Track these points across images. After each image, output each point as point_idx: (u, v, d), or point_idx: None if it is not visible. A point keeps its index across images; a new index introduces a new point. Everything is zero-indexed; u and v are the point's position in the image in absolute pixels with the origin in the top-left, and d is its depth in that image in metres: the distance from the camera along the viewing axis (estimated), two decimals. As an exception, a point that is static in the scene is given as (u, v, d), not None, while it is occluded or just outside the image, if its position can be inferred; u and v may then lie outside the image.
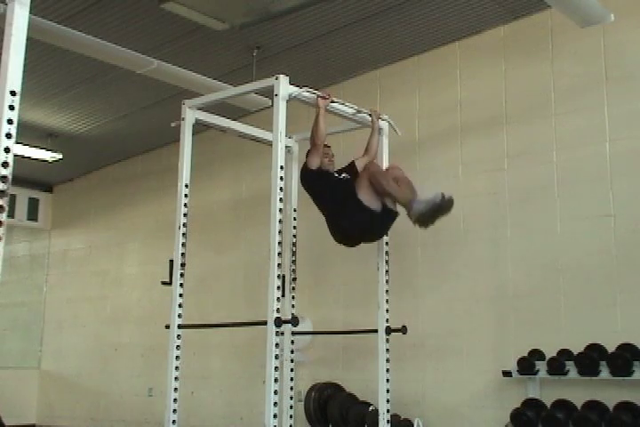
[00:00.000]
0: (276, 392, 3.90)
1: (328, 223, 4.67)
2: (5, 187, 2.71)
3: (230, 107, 5.90)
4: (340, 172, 4.87)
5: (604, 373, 4.93)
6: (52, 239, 10.27)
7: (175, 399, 4.47)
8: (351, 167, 4.90)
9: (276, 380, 3.90)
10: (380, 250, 4.97)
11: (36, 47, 5.16)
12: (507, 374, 5.37)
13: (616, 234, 5.22)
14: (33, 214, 10.09)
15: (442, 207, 4.32)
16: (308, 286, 6.37)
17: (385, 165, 5.11)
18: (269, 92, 4.48)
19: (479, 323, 5.77)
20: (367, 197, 4.48)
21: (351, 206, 4.51)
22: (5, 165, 2.72)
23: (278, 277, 4.01)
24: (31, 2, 2.93)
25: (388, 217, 4.61)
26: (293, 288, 5.29)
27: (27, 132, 7.59)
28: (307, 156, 4.67)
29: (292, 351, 5.28)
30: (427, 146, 6.37)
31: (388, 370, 4.80)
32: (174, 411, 4.45)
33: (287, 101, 4.30)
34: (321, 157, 4.61)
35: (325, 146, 4.73)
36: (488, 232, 5.86)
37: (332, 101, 4.65)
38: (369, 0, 5.47)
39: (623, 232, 5.20)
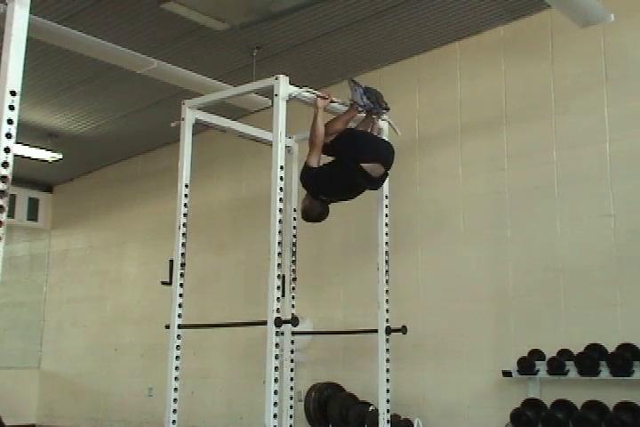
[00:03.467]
0: (276, 392, 3.90)
1: (344, 188, 4.62)
2: (5, 187, 2.71)
3: (230, 107, 5.90)
4: None
5: (604, 373, 4.92)
6: (52, 239, 10.27)
7: (175, 399, 4.47)
8: None
9: (275, 380, 3.90)
10: (380, 250, 4.97)
11: (35, 47, 5.16)
12: (507, 374, 5.37)
13: (616, 234, 5.22)
14: (33, 214, 10.10)
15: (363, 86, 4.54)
16: (308, 285, 6.36)
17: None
18: (269, 92, 4.48)
19: (479, 323, 5.77)
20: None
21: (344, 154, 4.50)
22: (5, 165, 2.72)
23: (278, 277, 4.01)
24: (31, 2, 2.93)
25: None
26: (293, 288, 5.28)
27: (27, 132, 7.59)
28: (307, 156, 4.62)
29: (292, 351, 5.28)
30: (427, 146, 6.37)
31: (387, 370, 4.79)
32: (174, 411, 4.45)
33: (287, 101, 4.29)
34: (320, 156, 4.58)
35: None
36: (488, 232, 5.86)
37: (332, 101, 4.65)
38: (369, 0, 5.47)
39: (623, 232, 5.20)
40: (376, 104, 4.60)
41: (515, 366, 5.34)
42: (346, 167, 4.47)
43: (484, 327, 5.73)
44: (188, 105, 4.83)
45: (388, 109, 4.72)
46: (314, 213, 4.63)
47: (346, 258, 6.68)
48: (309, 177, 4.58)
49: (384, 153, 4.62)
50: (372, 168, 4.49)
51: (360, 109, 4.62)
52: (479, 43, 6.16)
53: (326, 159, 4.63)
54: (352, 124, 5.18)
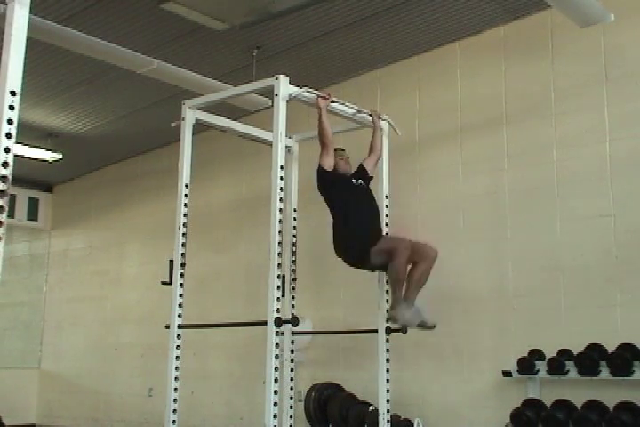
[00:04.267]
0: (276, 392, 3.90)
1: (333, 229, 4.67)
2: (5, 187, 2.71)
3: (230, 107, 5.90)
4: (355, 176, 4.85)
5: (604, 373, 4.92)
6: (52, 239, 10.27)
7: (175, 399, 4.47)
8: (362, 170, 4.92)
9: (276, 380, 3.90)
10: (380, 250, 4.96)
11: (35, 47, 5.15)
12: (507, 374, 5.37)
13: (616, 234, 5.22)
14: (33, 214, 10.10)
15: (424, 328, 4.59)
16: (308, 286, 6.36)
17: (386, 165, 5.11)
18: (269, 92, 4.49)
19: (479, 323, 5.76)
20: (375, 252, 4.54)
21: (359, 223, 4.57)
22: (5, 165, 2.72)
23: (278, 277, 4.02)
24: (31, 2, 2.93)
25: None
26: (293, 288, 5.29)
27: (27, 132, 7.58)
28: (320, 157, 4.65)
29: (292, 351, 5.28)
30: (427, 146, 6.37)
31: (388, 370, 4.80)
32: (174, 411, 4.46)
33: (287, 101, 4.30)
34: (334, 157, 4.62)
35: (339, 149, 4.76)
36: (488, 232, 5.86)
37: (332, 101, 4.66)
38: (369, 0, 5.47)
39: (623, 232, 5.20)
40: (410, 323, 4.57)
41: (515, 366, 5.34)
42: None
43: (484, 327, 5.73)
44: (188, 105, 4.84)
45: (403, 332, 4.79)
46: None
47: (346, 258, 6.67)
48: (323, 180, 4.64)
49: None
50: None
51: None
52: (479, 43, 6.16)
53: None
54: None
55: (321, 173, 4.64)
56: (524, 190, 5.71)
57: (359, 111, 4.92)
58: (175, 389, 4.49)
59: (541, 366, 5.21)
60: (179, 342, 4.54)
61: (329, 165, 4.60)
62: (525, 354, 5.33)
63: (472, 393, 5.69)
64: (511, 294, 5.64)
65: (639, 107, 5.26)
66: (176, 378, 4.50)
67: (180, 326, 4.56)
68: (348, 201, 4.64)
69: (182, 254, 4.68)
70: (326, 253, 6.76)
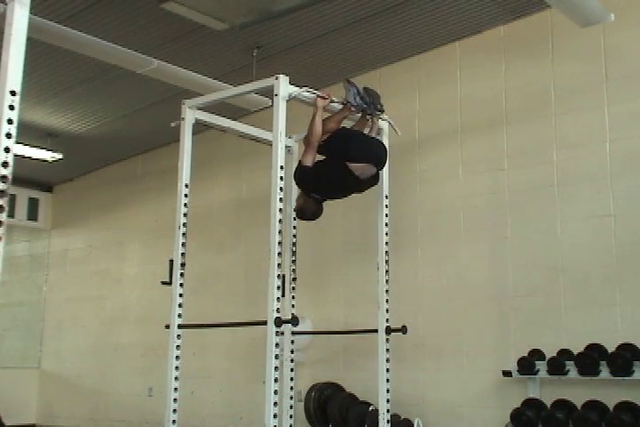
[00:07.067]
0: (276, 392, 3.90)
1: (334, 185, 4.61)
2: (5, 187, 2.71)
3: (230, 107, 5.90)
4: None
5: (604, 373, 4.93)
6: (52, 239, 10.27)
7: (175, 399, 4.47)
8: None
9: (276, 380, 3.90)
10: (380, 250, 4.97)
11: (35, 47, 5.15)
12: (507, 374, 5.37)
13: (616, 234, 5.22)
14: (33, 214, 10.11)
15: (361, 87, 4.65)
16: (308, 285, 6.36)
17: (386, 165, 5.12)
18: (269, 92, 4.48)
19: (479, 323, 5.77)
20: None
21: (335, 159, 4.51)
22: (5, 165, 2.72)
23: (278, 277, 4.01)
24: (31, 2, 2.93)
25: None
26: (293, 288, 5.28)
27: (27, 132, 7.59)
28: (302, 155, 4.60)
29: (292, 351, 5.28)
30: (427, 146, 6.37)
31: (388, 370, 4.79)
32: (174, 411, 4.45)
33: (287, 101, 4.30)
34: (315, 155, 4.57)
35: None
36: (488, 232, 5.86)
37: (332, 101, 4.65)
38: (369, 0, 5.47)
39: (623, 232, 5.20)
40: (370, 105, 4.67)
41: (515, 366, 5.34)
42: (334, 167, 4.47)
43: (484, 327, 5.74)
44: (188, 105, 4.83)
45: (381, 111, 4.76)
46: (308, 211, 4.61)
47: (346, 258, 6.67)
48: (303, 175, 4.57)
49: (375, 153, 4.58)
50: (361, 168, 4.46)
51: (353, 109, 4.66)
52: (479, 43, 6.16)
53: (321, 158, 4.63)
54: (349, 124, 5.19)
55: (302, 169, 4.51)
56: (524, 190, 5.72)
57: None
58: (175, 389, 4.49)
59: (541, 366, 5.21)
60: (179, 342, 4.54)
61: (310, 162, 4.50)
62: (525, 354, 5.34)
63: (472, 393, 5.70)
64: (511, 294, 5.64)
65: (639, 107, 5.26)
66: (176, 378, 4.50)
67: (179, 326, 4.56)
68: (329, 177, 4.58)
69: (182, 254, 4.67)
70: (326, 252, 6.80)
